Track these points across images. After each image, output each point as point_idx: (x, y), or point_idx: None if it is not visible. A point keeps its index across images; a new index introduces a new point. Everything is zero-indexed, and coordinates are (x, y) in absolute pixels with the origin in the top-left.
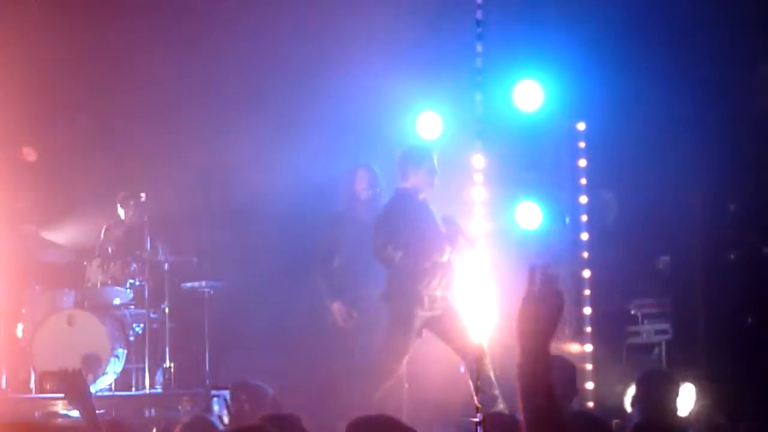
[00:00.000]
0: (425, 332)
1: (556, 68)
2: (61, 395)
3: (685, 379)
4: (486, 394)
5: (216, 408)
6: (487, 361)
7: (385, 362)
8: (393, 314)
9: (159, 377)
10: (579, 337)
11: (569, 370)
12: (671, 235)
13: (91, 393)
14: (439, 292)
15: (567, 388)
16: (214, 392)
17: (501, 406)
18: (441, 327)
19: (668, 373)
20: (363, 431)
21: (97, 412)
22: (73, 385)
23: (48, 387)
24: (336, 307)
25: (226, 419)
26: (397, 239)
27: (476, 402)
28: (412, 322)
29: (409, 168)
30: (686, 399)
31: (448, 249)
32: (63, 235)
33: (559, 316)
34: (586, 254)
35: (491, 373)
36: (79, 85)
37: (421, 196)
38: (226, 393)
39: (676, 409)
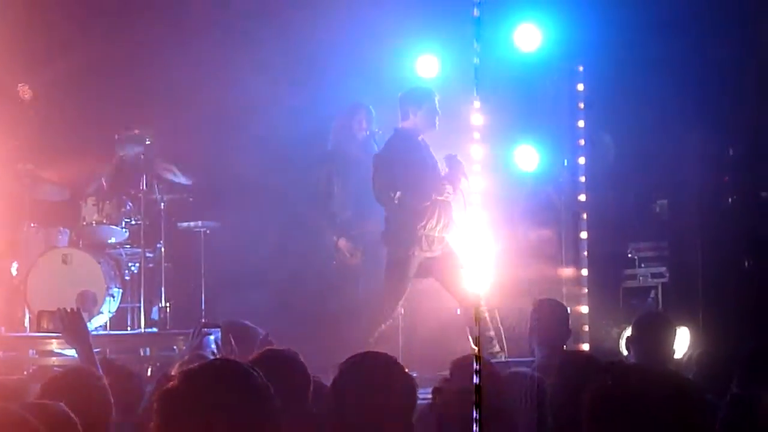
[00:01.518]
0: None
1: (555, 10)
2: (59, 334)
3: (680, 323)
4: (482, 335)
5: (213, 346)
6: (481, 304)
7: (383, 302)
8: (391, 254)
9: (155, 316)
10: (576, 279)
11: (561, 312)
12: (669, 178)
13: (89, 332)
14: (437, 234)
15: (560, 331)
16: (205, 330)
17: (496, 348)
18: (438, 269)
19: (665, 316)
20: (357, 369)
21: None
22: (72, 325)
23: (46, 326)
24: (342, 243)
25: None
26: (396, 181)
27: (472, 344)
28: (409, 263)
29: (409, 109)
30: (682, 342)
31: (449, 188)
32: (59, 173)
33: None
34: (583, 197)
35: (486, 315)
36: (75, 22)
37: (420, 137)
38: (218, 331)
39: (671, 352)
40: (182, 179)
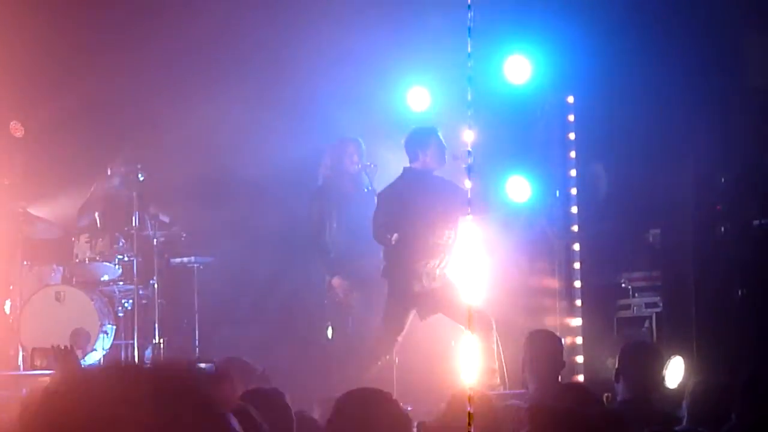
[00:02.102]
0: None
1: (545, 42)
2: (53, 372)
3: (674, 353)
4: (486, 367)
5: None
6: (493, 333)
7: (382, 337)
8: (391, 289)
9: (148, 353)
10: (569, 310)
11: (555, 344)
12: (662, 207)
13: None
14: (438, 271)
15: (553, 363)
16: (198, 366)
17: (497, 381)
18: (441, 301)
19: (650, 345)
20: (353, 404)
21: None
22: (66, 362)
23: (39, 363)
24: (336, 281)
25: None
26: (391, 222)
27: (476, 375)
28: (408, 298)
29: (418, 150)
30: (675, 372)
31: (447, 233)
32: (51, 211)
33: None
34: (576, 227)
35: (494, 346)
36: (66, 60)
37: (434, 174)
38: (211, 367)
39: (660, 382)
40: (167, 219)
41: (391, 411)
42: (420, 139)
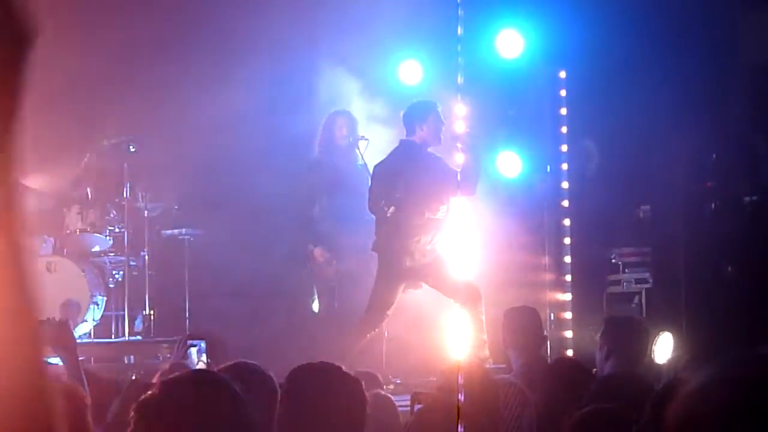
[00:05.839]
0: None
1: (537, 16)
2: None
3: (664, 328)
4: (477, 337)
5: (194, 357)
6: (481, 305)
7: (372, 311)
8: (381, 264)
9: (138, 324)
10: (559, 285)
11: (532, 318)
12: (652, 183)
13: (76, 342)
14: (429, 247)
15: (533, 337)
16: (190, 342)
17: (486, 353)
18: (432, 276)
19: (635, 320)
20: (304, 378)
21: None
22: (60, 335)
23: None
24: (317, 252)
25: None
26: (391, 195)
27: (468, 344)
28: (399, 273)
29: (415, 123)
30: (664, 348)
31: (441, 207)
32: (42, 182)
33: None
34: (566, 203)
35: (483, 317)
36: (59, 30)
37: (429, 149)
38: (202, 343)
39: (647, 356)
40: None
41: (342, 383)
42: (419, 113)
